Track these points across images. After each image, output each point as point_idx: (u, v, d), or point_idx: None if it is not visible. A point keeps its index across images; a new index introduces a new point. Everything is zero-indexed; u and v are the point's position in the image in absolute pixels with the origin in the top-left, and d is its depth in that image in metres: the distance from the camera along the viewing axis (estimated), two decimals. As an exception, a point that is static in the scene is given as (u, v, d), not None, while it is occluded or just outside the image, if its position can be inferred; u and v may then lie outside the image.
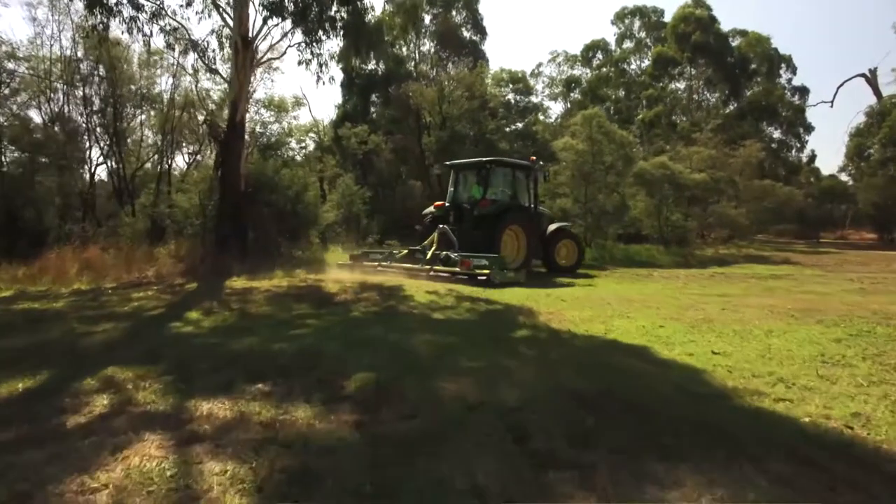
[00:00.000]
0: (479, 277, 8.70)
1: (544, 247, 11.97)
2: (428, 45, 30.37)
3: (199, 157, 20.20)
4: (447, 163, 12.85)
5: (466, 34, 30.45)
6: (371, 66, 31.20)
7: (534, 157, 12.73)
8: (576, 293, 8.16)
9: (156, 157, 20.04)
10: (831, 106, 48.49)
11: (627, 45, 45.52)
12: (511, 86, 21.97)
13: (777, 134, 38.47)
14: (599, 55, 46.61)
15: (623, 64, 45.12)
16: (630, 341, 4.73)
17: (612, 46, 46.17)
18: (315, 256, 11.69)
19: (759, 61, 34.74)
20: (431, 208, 11.71)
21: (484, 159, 11.67)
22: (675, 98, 34.88)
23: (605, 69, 45.31)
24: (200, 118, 17.93)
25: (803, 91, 38.81)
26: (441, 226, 10.70)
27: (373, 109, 30.39)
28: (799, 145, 39.79)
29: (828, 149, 64.22)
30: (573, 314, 5.97)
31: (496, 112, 21.65)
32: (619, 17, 45.15)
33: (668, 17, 42.16)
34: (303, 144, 24.79)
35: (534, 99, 27.61)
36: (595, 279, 11.25)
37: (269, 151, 19.81)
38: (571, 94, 45.41)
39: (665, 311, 6.27)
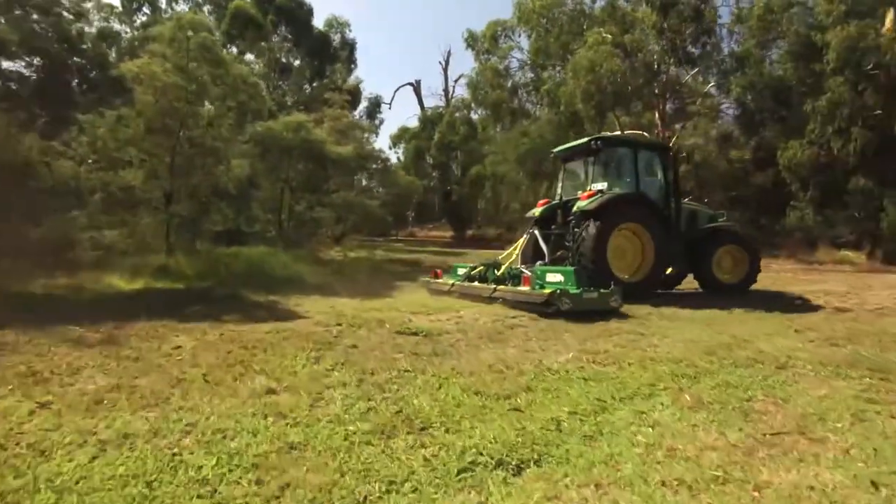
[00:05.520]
0: (540, 303, 6.16)
1: (697, 256, 9.25)
2: None
3: None
4: (553, 150, 10.25)
5: None
6: None
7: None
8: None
9: None
10: (389, 107, 55.92)
11: (182, 6, 36.89)
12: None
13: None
14: (146, 9, 36.04)
15: (179, 32, 36.20)
16: None
17: (163, 3, 36.64)
18: None
19: (340, 45, 33.52)
20: (535, 210, 9.35)
21: (589, 138, 9.00)
22: (254, 72, 29.34)
23: (154, 28, 35.18)
24: None
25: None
26: (530, 230, 8.81)
27: None
28: (361, 142, 41.87)
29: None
30: None
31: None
32: (170, -33, 35.72)
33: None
34: None
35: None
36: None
37: None
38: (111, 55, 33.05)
39: None
